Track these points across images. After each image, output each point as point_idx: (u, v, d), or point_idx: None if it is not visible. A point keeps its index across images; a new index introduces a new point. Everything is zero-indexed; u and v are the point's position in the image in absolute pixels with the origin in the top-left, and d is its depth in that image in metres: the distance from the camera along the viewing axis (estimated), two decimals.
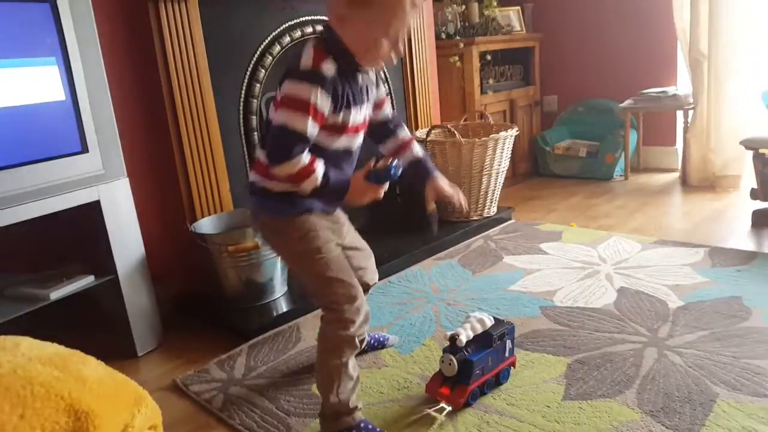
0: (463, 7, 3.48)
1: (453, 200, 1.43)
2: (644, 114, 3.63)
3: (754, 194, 2.62)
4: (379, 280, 2.22)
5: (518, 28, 3.81)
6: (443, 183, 1.44)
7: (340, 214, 1.48)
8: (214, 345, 1.88)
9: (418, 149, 1.46)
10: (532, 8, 3.94)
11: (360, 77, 1.28)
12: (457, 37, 3.38)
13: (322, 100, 1.18)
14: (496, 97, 3.60)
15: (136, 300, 1.86)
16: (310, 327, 1.95)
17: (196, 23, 1.98)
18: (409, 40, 2.74)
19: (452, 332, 1.44)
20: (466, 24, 3.51)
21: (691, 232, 2.55)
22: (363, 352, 1.72)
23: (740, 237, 2.46)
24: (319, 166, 1.21)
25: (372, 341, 1.76)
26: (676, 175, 3.50)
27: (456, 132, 2.66)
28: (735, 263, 2.14)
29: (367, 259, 1.56)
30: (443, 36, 3.38)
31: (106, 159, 1.74)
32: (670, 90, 3.40)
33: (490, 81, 3.64)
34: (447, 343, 1.46)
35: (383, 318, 1.97)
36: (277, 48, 2.22)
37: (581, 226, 2.76)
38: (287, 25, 2.26)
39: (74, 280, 1.75)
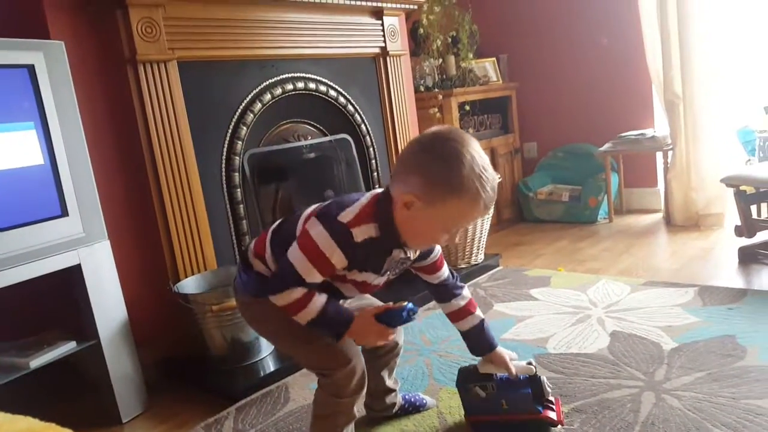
0: (440, 60, 3.57)
1: (511, 375, 1.41)
2: (624, 156, 3.70)
3: (739, 231, 2.64)
4: None
5: (495, 79, 3.91)
6: (505, 356, 1.41)
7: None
8: (201, 408, 1.81)
9: (478, 317, 1.43)
10: (507, 59, 4.06)
11: (395, 252, 1.22)
12: (436, 90, 3.46)
13: (339, 259, 1.14)
14: None
15: (120, 365, 1.80)
16: (299, 387, 1.88)
17: (176, 84, 2.00)
18: (389, 93, 2.78)
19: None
20: (444, 76, 3.60)
21: (679, 271, 2.55)
22: (396, 415, 1.61)
23: (729, 275, 2.46)
24: (315, 303, 1.16)
25: (406, 404, 1.62)
26: (660, 215, 3.53)
27: None
28: (726, 301, 2.12)
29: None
30: (422, 89, 3.46)
31: (87, 222, 1.71)
32: (648, 132, 3.47)
33: (470, 130, 3.70)
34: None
35: None
36: (258, 105, 2.24)
37: (569, 270, 2.75)
38: (268, 83, 2.30)
39: (55, 346, 1.69)
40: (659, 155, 3.53)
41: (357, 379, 1.26)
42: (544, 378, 1.45)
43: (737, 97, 3.32)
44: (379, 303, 1.36)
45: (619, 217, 3.64)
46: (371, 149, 2.74)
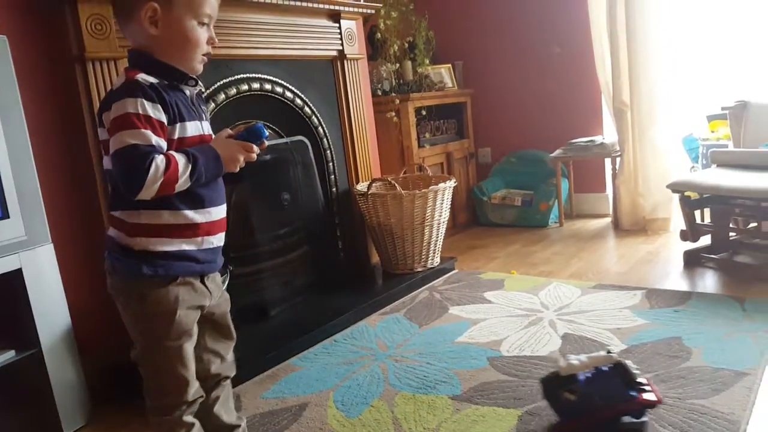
0: (397, 65, 3.59)
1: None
2: (574, 162, 3.79)
3: (684, 235, 2.74)
4: (326, 338, 2.19)
5: (450, 85, 3.96)
6: None
7: (216, 282, 1.30)
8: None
9: None
10: (463, 66, 4.11)
11: (186, 89, 1.20)
12: (393, 94, 3.47)
13: (153, 109, 1.08)
14: (432, 150, 3.68)
15: (62, 374, 1.72)
16: (251, 395, 1.85)
17: None
18: (347, 96, 2.77)
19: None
20: (401, 81, 3.61)
21: (627, 274, 2.63)
22: None
23: (674, 278, 2.55)
24: (178, 157, 1.09)
25: None
26: (609, 220, 3.64)
27: (396, 184, 2.68)
28: (672, 304, 2.20)
29: (226, 345, 1.35)
30: (379, 93, 3.46)
31: (29, 225, 1.64)
32: (597, 139, 3.58)
33: (427, 135, 3.73)
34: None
35: (329, 380, 1.90)
36: (212, 106, 2.19)
37: (522, 273, 2.80)
38: (222, 82, 2.25)
39: None
40: (608, 161, 3.64)
41: (190, 403, 1.22)
42: (628, 362, 1.44)
43: (682, 106, 3.46)
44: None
45: (569, 221, 3.73)
46: (329, 152, 2.72)
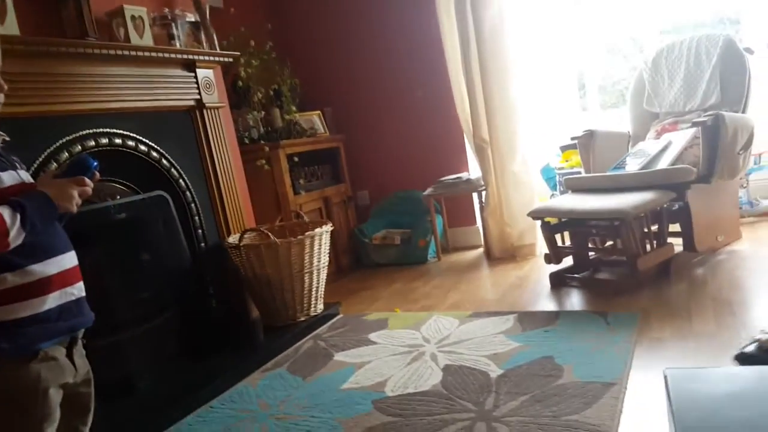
0: (263, 113, 3.55)
1: None
2: (446, 199, 3.93)
3: (548, 258, 2.90)
4: (200, 406, 2.03)
5: (322, 130, 3.98)
6: None
7: (82, 355, 1.18)
8: None
9: None
10: (332, 111, 4.16)
11: None
12: (262, 142, 3.41)
13: None
14: (310, 196, 3.65)
15: None
16: None
17: None
18: (209, 145, 2.67)
19: None
20: (269, 129, 3.57)
21: (501, 300, 2.72)
22: None
23: (543, 299, 2.68)
24: (2, 208, 0.99)
25: None
26: (482, 250, 3.79)
27: (270, 233, 2.61)
28: (542, 324, 2.30)
29: (83, 418, 1.22)
30: (247, 141, 3.39)
31: None
32: (464, 175, 3.74)
33: (302, 181, 3.70)
34: None
35: None
36: (53, 166, 2.01)
37: (405, 310, 2.80)
38: (66, 140, 2.06)
39: None
40: (475, 196, 3.81)
41: None
42: None
43: (538, 139, 3.73)
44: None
45: (446, 255, 3.83)
46: (193, 205, 2.59)
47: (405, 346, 2.32)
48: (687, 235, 2.76)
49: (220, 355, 2.41)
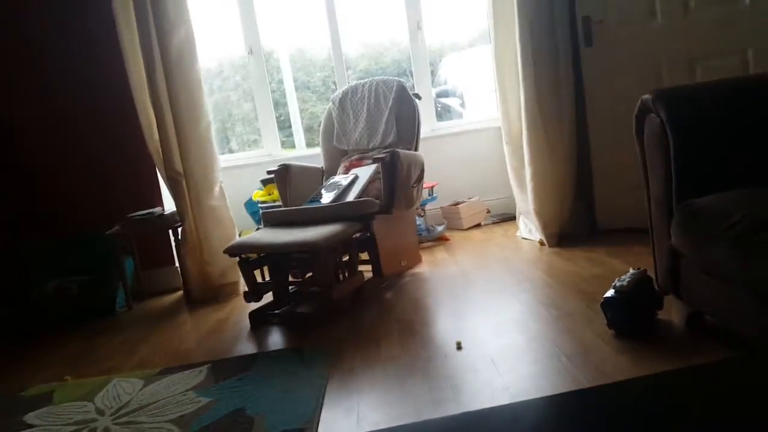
0: None
1: None
2: (138, 238, 3.52)
3: (248, 297, 2.77)
4: None
5: None
6: None
7: None
8: None
9: None
10: None
11: None
12: None
13: None
14: None
15: None
16: None
17: None
18: None
19: None
20: None
21: (196, 350, 2.48)
22: None
23: (242, 342, 2.52)
24: None
25: None
26: (181, 293, 3.48)
27: None
28: (237, 372, 2.13)
29: None
30: None
31: None
32: (157, 210, 3.40)
33: None
34: None
35: None
36: None
37: (78, 376, 2.35)
38: None
39: None
40: (171, 233, 3.49)
41: None
42: None
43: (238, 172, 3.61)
44: None
45: (140, 302, 3.42)
46: None
47: (72, 424, 1.91)
48: (375, 262, 2.94)
49: None
